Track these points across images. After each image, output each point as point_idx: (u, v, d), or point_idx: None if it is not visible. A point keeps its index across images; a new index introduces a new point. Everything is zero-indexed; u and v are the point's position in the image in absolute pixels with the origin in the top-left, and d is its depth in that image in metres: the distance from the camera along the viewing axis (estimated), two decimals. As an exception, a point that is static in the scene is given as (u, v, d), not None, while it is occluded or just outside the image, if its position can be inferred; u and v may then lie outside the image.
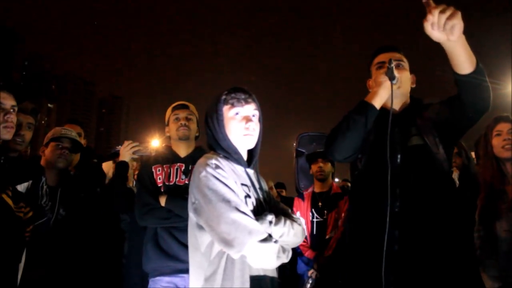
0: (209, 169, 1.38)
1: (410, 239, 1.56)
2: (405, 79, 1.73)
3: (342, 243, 3.24)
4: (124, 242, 2.99)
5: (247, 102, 1.50)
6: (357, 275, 1.72)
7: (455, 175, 2.63)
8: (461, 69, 1.45)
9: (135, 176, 3.80)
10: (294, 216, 1.53)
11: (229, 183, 1.37)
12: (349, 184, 5.55)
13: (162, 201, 2.13)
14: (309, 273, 3.26)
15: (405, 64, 1.77)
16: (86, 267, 2.58)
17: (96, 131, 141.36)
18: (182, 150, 2.30)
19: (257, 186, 1.51)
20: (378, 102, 1.64)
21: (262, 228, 1.31)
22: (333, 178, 3.71)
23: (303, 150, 4.20)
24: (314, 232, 3.33)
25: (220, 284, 1.32)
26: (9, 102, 1.65)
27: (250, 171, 1.53)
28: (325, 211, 3.37)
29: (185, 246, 1.94)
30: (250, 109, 1.51)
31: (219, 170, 1.38)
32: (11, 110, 1.66)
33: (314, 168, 3.51)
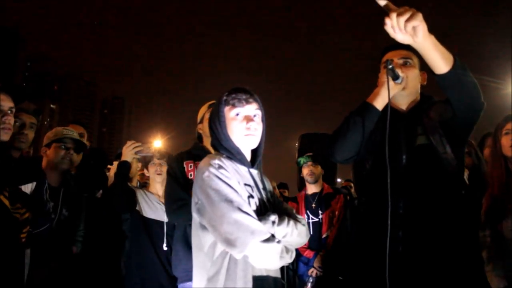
0: (212, 169, 1.37)
1: (414, 240, 1.54)
2: (412, 77, 1.68)
3: (339, 240, 3.30)
4: (125, 242, 2.99)
5: (248, 102, 1.49)
6: (362, 276, 1.71)
7: (465, 175, 2.59)
8: (437, 69, 1.42)
9: (139, 177, 3.81)
10: (299, 216, 1.51)
11: (232, 183, 1.36)
12: (352, 185, 5.54)
13: None
14: (309, 272, 3.29)
15: (414, 61, 1.72)
16: (87, 267, 2.58)
17: (99, 132, 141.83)
18: None
19: (260, 186, 1.50)
20: (379, 102, 1.61)
21: (265, 228, 1.30)
22: (333, 179, 3.76)
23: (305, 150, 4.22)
24: (311, 232, 3.37)
25: (222, 284, 1.31)
26: (7, 104, 1.64)
27: (254, 171, 1.52)
28: (320, 211, 3.44)
29: None
30: (251, 109, 1.50)
31: (222, 170, 1.38)
32: (9, 112, 1.65)
33: (304, 171, 3.60)
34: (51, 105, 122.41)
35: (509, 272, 1.78)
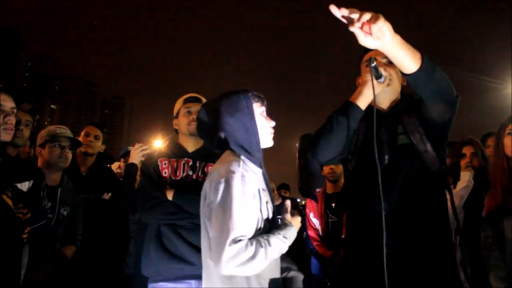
0: (235, 179, 1.28)
1: (398, 242, 1.51)
2: (395, 76, 1.65)
3: None
4: (129, 244, 2.98)
5: (264, 102, 1.49)
6: (350, 278, 1.68)
7: (470, 175, 2.57)
8: (406, 69, 1.38)
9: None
10: (286, 221, 1.42)
11: (247, 200, 1.29)
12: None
13: (170, 195, 1.97)
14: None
15: None
16: (88, 267, 2.58)
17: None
18: (191, 145, 2.16)
19: (268, 187, 1.48)
20: (362, 101, 1.58)
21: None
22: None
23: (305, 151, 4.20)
24: (330, 232, 3.34)
25: (238, 283, 1.28)
26: (8, 104, 1.64)
27: (265, 173, 1.48)
28: (339, 212, 3.37)
29: (193, 246, 1.86)
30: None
31: (244, 184, 1.30)
32: (11, 112, 1.65)
33: (325, 169, 3.52)
34: (52, 105, 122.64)
35: (510, 273, 1.77)
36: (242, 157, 1.40)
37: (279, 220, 1.41)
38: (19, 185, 1.77)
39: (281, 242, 1.31)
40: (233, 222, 1.22)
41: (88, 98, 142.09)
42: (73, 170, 2.74)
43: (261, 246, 1.24)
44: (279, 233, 1.32)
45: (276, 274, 1.41)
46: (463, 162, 2.60)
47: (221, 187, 1.29)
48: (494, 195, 1.91)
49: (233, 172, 1.30)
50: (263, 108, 1.48)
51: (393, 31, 1.24)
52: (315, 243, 3.42)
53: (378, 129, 1.56)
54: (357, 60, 1.83)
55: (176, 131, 2.23)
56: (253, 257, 1.21)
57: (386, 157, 1.62)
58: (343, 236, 3.21)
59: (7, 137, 1.62)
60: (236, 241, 1.21)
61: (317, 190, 3.69)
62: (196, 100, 2.21)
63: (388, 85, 1.61)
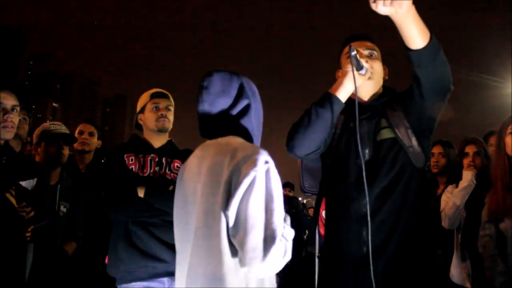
0: (273, 169, 1.16)
1: (379, 241, 1.43)
2: (377, 69, 1.57)
3: None
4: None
5: None
6: (329, 277, 1.59)
7: (472, 175, 2.55)
8: (413, 43, 1.32)
9: None
10: None
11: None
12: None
13: (141, 192, 1.87)
14: None
15: (378, 54, 1.62)
16: (88, 264, 2.59)
17: (101, 130, 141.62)
18: (157, 141, 2.09)
19: None
20: (343, 93, 1.49)
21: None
22: None
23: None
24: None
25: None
26: (9, 102, 1.62)
27: None
28: None
29: (164, 243, 1.81)
30: None
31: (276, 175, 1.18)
32: (13, 110, 1.63)
33: None
34: (54, 104, 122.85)
35: (510, 271, 1.78)
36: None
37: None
38: (23, 183, 1.76)
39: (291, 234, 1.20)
40: (279, 216, 1.12)
41: (90, 97, 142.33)
42: (72, 169, 2.74)
43: (287, 240, 1.15)
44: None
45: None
46: (465, 161, 2.60)
47: (260, 177, 1.12)
48: (495, 194, 1.91)
49: (268, 162, 1.15)
50: None
51: (411, 3, 1.19)
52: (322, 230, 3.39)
53: (359, 122, 1.49)
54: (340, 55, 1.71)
55: (140, 126, 2.15)
56: (285, 254, 1.12)
57: (367, 151, 1.53)
58: None
59: (7, 135, 1.60)
60: (282, 237, 1.11)
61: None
62: (163, 95, 2.13)
63: (369, 78, 1.53)
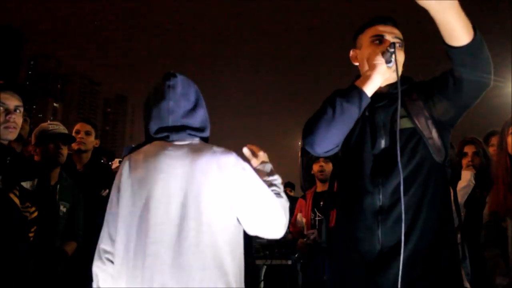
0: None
1: (394, 238, 1.31)
2: (401, 60, 1.44)
3: None
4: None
5: None
6: (339, 276, 1.48)
7: (471, 175, 2.55)
8: (455, 40, 1.20)
9: None
10: (259, 165, 1.48)
11: None
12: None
13: None
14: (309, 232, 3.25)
15: (403, 43, 1.49)
16: (88, 264, 2.59)
17: (102, 130, 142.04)
18: None
19: None
20: (371, 89, 1.37)
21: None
22: None
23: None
24: (318, 230, 3.24)
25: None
26: (12, 102, 1.62)
27: None
28: (326, 210, 3.20)
29: None
30: None
31: None
32: (16, 111, 1.63)
33: (315, 168, 3.44)
34: (54, 104, 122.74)
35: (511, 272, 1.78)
36: None
37: None
38: (23, 184, 1.76)
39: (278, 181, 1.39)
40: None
41: (90, 97, 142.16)
42: (70, 168, 2.74)
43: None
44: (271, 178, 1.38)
45: None
46: (464, 161, 2.60)
47: (246, 169, 1.26)
48: (497, 193, 1.91)
49: (240, 158, 1.29)
50: None
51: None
52: (291, 229, 3.43)
53: (373, 110, 1.41)
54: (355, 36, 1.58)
55: None
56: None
57: (383, 141, 1.42)
58: None
59: (9, 135, 1.60)
60: None
61: (308, 190, 3.63)
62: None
63: (394, 70, 1.40)
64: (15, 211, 1.55)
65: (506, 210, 1.84)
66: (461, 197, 2.42)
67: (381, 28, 1.47)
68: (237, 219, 1.25)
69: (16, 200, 1.56)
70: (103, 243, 1.28)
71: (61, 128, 2.48)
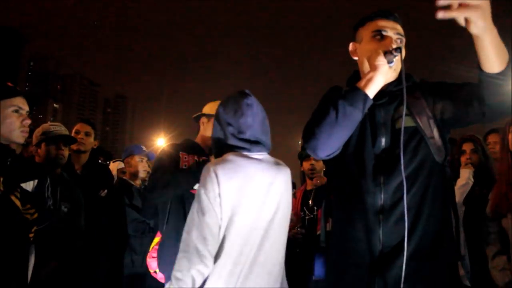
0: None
1: (395, 238, 1.28)
2: (402, 56, 1.38)
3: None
4: (127, 242, 3.01)
5: None
6: (338, 276, 1.43)
7: (470, 172, 2.55)
8: (489, 67, 1.18)
9: (145, 178, 3.85)
10: None
11: None
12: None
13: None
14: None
15: (404, 40, 1.42)
16: (90, 264, 2.60)
17: (102, 131, 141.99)
18: (206, 147, 2.30)
19: None
20: (374, 91, 1.33)
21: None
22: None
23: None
24: (306, 228, 3.22)
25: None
26: (26, 107, 1.67)
27: None
28: (315, 208, 3.27)
29: None
30: None
31: None
32: (27, 115, 1.67)
33: (305, 166, 3.41)
34: (54, 105, 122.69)
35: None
36: None
37: None
38: (23, 185, 1.78)
39: None
40: None
41: (90, 97, 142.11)
42: (68, 169, 2.74)
43: None
44: None
45: None
46: (463, 159, 2.61)
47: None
48: (499, 190, 1.91)
49: None
50: None
51: (491, 21, 1.08)
52: None
53: (373, 108, 1.37)
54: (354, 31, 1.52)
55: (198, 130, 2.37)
56: None
57: (384, 140, 1.38)
58: (318, 233, 3.14)
59: (22, 139, 1.65)
60: None
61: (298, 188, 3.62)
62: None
63: (394, 69, 1.39)
64: (17, 214, 1.56)
65: (507, 206, 1.84)
66: (460, 195, 2.42)
67: (383, 23, 1.41)
68: None
69: (18, 203, 1.57)
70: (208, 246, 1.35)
71: (62, 129, 2.49)
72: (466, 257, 2.32)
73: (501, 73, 1.18)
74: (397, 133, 1.34)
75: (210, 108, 2.34)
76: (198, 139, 2.33)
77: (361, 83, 1.34)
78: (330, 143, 1.34)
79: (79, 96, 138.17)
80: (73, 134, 2.88)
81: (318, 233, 3.16)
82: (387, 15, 1.42)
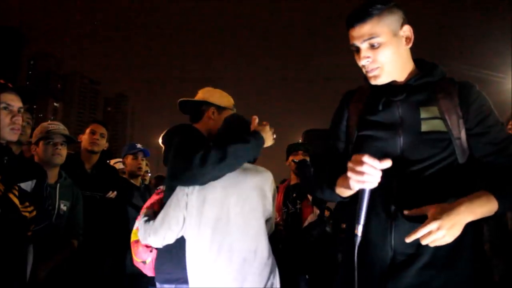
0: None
1: (408, 245, 1.19)
2: (382, 59, 1.27)
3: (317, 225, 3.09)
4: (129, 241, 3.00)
5: None
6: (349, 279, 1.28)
7: None
8: (487, 215, 1.17)
9: (145, 177, 3.85)
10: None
11: None
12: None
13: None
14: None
15: (383, 37, 1.26)
16: (90, 263, 2.60)
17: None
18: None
19: None
20: (346, 193, 1.29)
21: None
22: None
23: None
24: (289, 223, 3.21)
25: None
26: (16, 104, 1.63)
27: None
28: (298, 201, 3.24)
29: None
30: None
31: None
32: (19, 112, 1.64)
33: (292, 159, 3.28)
34: (55, 104, 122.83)
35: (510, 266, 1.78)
36: None
37: None
38: (22, 185, 1.75)
39: None
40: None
41: (91, 96, 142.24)
42: (78, 167, 2.78)
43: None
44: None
45: None
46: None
47: None
48: None
49: None
50: None
51: (461, 222, 1.11)
52: None
53: (388, 104, 1.30)
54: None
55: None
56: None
57: (401, 140, 1.27)
58: (304, 226, 3.10)
59: (14, 137, 1.62)
60: None
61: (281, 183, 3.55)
62: None
63: (374, 77, 1.31)
64: (15, 212, 1.55)
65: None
66: None
67: (351, 34, 1.30)
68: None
69: (16, 201, 1.56)
70: None
71: (61, 128, 2.49)
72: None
73: (498, 211, 1.16)
74: (419, 135, 1.26)
75: (219, 98, 2.09)
76: (203, 130, 1.99)
77: (339, 181, 1.28)
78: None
79: (80, 95, 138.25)
80: (88, 134, 2.92)
81: (304, 226, 3.12)
82: (353, 23, 1.29)
